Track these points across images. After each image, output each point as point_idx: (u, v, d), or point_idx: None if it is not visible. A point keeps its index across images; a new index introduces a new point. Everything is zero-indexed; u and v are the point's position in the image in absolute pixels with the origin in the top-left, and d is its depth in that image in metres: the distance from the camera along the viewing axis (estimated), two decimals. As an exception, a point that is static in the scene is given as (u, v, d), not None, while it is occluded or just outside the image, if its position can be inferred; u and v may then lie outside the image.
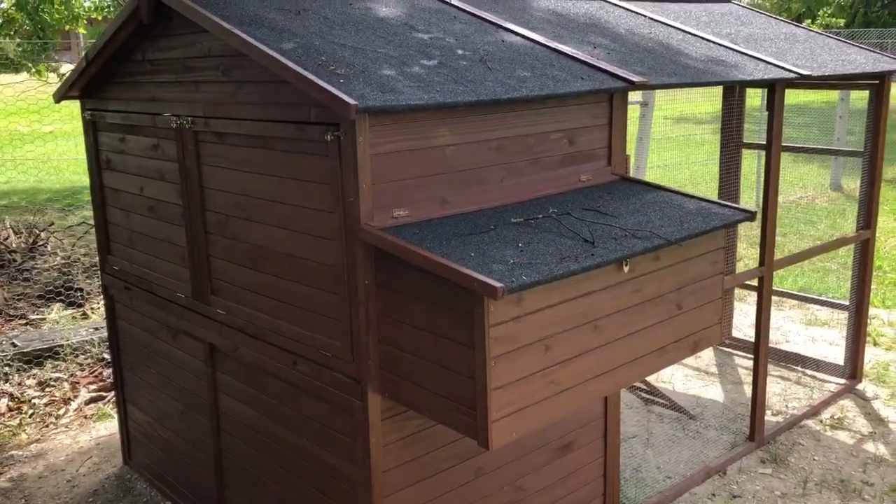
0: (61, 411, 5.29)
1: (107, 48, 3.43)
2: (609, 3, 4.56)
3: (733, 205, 2.88)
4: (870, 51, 4.89)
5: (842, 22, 27.33)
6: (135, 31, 3.31)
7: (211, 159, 3.09)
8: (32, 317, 7.02)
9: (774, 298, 6.82)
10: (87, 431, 4.87)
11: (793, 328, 6.28)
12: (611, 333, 2.55)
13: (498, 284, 2.07)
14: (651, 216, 2.73)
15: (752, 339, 5.80)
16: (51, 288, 7.27)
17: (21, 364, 5.85)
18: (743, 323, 6.35)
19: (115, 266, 3.96)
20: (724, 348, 5.82)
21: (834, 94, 12.49)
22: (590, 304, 2.46)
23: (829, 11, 23.46)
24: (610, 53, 3.47)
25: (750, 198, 11.71)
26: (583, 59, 3.22)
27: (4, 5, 14.22)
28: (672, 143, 14.66)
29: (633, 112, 10.80)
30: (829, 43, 4.85)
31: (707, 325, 2.91)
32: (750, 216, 2.82)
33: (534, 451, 3.15)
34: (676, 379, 5.33)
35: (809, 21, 23.54)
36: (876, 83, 4.68)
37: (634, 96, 10.91)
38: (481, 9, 3.69)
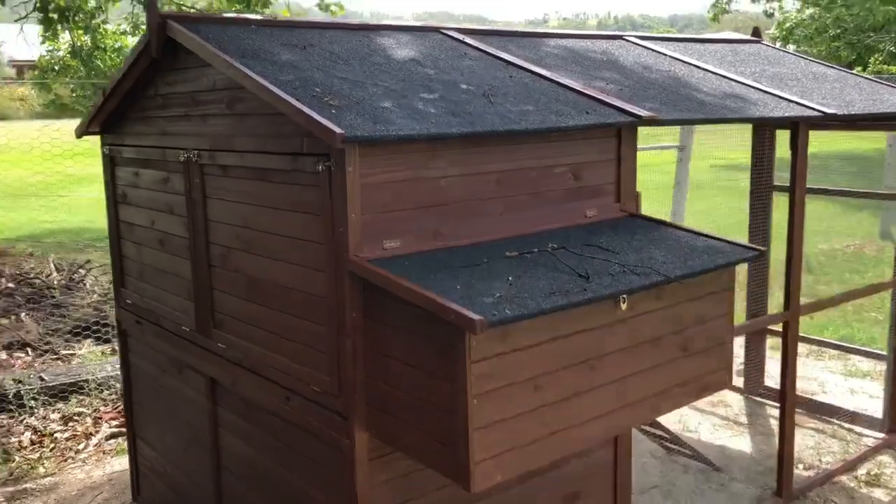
0: (81, 446, 5.30)
1: (122, 83, 3.49)
2: (630, 42, 4.51)
3: (743, 243, 2.77)
4: (902, 91, 4.74)
5: (894, 69, 26.82)
6: (148, 66, 3.36)
7: (215, 192, 3.09)
8: (63, 352, 7.11)
9: (813, 348, 6.58)
10: (102, 467, 4.86)
11: (831, 379, 6.02)
12: (608, 374, 2.44)
13: (476, 317, 1.99)
14: (654, 253, 2.63)
15: (800, 393, 5.59)
16: (81, 324, 7.37)
17: (47, 398, 5.90)
18: (777, 372, 6.12)
19: (128, 300, 3.98)
20: (756, 398, 5.59)
21: (884, 142, 12.19)
22: (584, 343, 2.36)
23: (880, 58, 23.01)
24: (622, 89, 3.41)
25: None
26: (591, 94, 3.16)
27: (61, 53, 14.85)
28: (716, 190, 14.42)
29: (671, 157, 10.68)
30: (860, 82, 4.72)
31: (715, 370, 2.78)
32: (758, 254, 2.70)
33: (537, 498, 3.02)
34: (704, 428, 5.13)
35: (860, 68, 23.15)
36: (910, 124, 4.53)
37: (669, 140, 10.80)
38: (497, 48, 3.67)
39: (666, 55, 4.36)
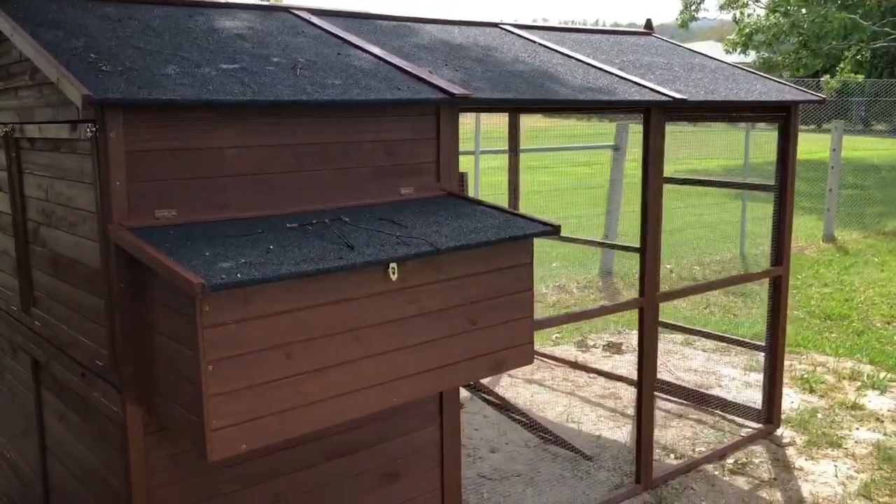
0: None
1: (-45, 59, 3.42)
2: (504, 30, 4.50)
3: (540, 219, 2.75)
4: (777, 82, 4.76)
5: (861, 78, 26.92)
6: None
7: (27, 166, 3.04)
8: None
9: (720, 345, 6.59)
10: (-29, 455, 4.77)
11: (730, 373, 6.02)
12: (378, 345, 2.40)
13: (196, 280, 1.95)
14: (444, 228, 2.61)
15: (687, 384, 5.59)
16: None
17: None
18: (682, 367, 6.13)
19: (-23, 281, 3.90)
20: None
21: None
22: (347, 312, 2.32)
23: (846, 68, 23.07)
24: (458, 71, 3.39)
25: (736, 246, 11.47)
26: (415, 73, 3.13)
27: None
28: (676, 193, 14.44)
29: (606, 156, 10.69)
30: (736, 73, 4.73)
31: (514, 344, 2.75)
32: (552, 230, 2.68)
33: (349, 478, 2.98)
34: (588, 419, 5.11)
35: (828, 77, 23.19)
36: (783, 115, 4.54)
37: (604, 140, 10.81)
38: (346, 30, 3.64)
39: (535, 43, 4.35)
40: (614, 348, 6.57)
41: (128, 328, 2.42)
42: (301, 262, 2.18)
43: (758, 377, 5.90)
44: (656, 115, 3.83)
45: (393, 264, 2.36)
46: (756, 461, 4.49)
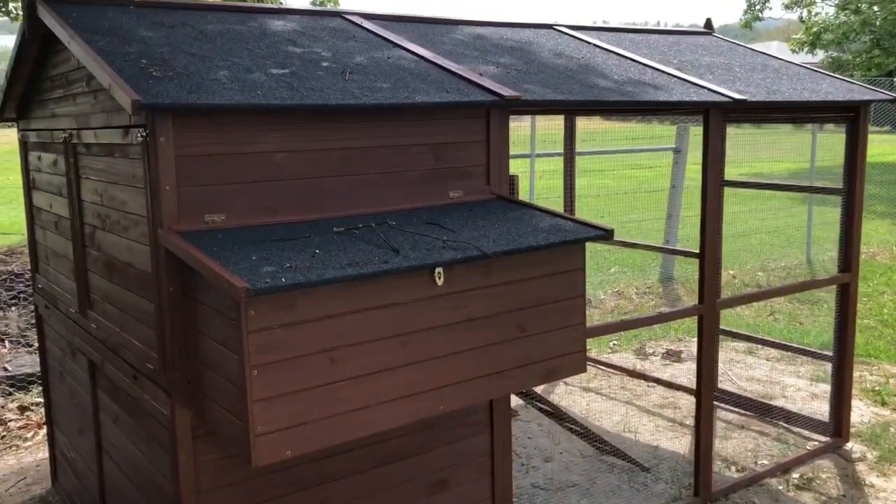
0: (30, 434, 5.36)
1: (19, 67, 3.52)
2: (559, 31, 4.42)
3: (592, 222, 2.67)
4: (846, 81, 4.57)
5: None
6: (41, 49, 3.38)
7: (83, 171, 3.09)
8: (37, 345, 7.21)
9: (785, 354, 6.36)
10: (35, 453, 4.90)
11: (796, 383, 5.81)
12: (424, 351, 2.36)
13: (241, 284, 1.94)
14: (492, 232, 2.55)
15: (749, 395, 5.41)
16: (58, 317, 7.46)
17: (7, 388, 5.98)
18: (745, 376, 5.94)
19: (40, 284, 4.01)
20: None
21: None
22: (393, 318, 2.29)
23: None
24: (509, 73, 3.33)
25: (802, 252, 11.12)
26: (465, 75, 3.09)
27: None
28: (740, 197, 14.09)
29: (668, 159, 10.47)
30: (800, 73, 4.56)
31: (565, 353, 2.67)
32: (604, 235, 2.60)
33: (397, 485, 2.94)
34: (646, 429, 4.98)
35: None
36: (851, 115, 4.35)
37: (665, 143, 10.59)
38: (397, 33, 3.62)
39: (590, 44, 4.26)
40: (674, 356, 6.40)
41: (177, 332, 2.43)
42: (346, 266, 2.15)
43: (825, 388, 5.68)
44: (716, 116, 3.71)
45: (439, 269, 2.32)
46: (823, 476, 4.31)
